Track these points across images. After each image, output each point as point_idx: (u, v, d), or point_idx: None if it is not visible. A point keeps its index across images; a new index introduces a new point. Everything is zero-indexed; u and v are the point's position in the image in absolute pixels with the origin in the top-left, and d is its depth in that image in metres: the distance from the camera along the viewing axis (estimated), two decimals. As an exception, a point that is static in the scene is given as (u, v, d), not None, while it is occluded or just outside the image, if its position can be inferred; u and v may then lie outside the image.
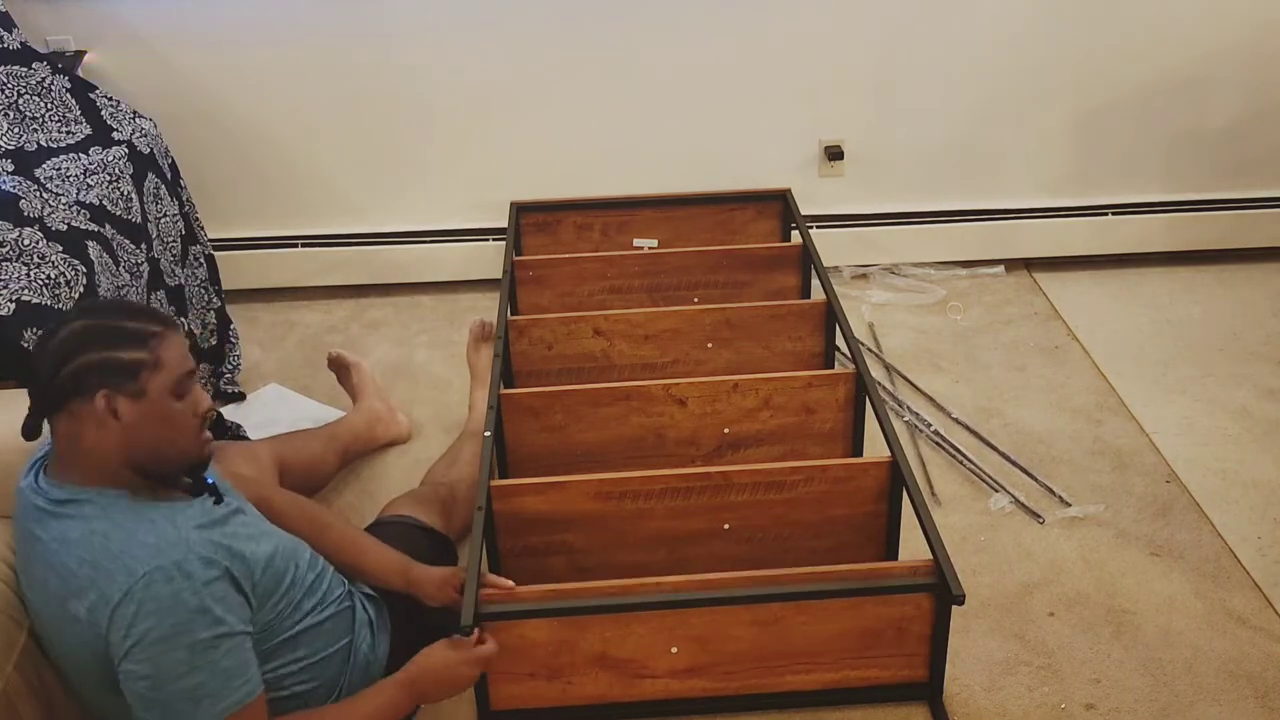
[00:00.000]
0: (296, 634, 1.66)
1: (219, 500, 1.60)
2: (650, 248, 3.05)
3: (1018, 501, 2.40)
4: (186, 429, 1.53)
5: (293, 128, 3.08)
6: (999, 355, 2.94)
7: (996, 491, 2.43)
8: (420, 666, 1.71)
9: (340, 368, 2.66)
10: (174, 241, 2.67)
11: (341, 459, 2.47)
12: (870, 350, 2.96)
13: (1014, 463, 2.52)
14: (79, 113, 2.59)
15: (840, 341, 2.59)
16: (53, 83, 2.60)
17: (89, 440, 1.47)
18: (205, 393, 1.56)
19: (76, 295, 2.13)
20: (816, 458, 2.29)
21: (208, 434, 1.58)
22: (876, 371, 2.88)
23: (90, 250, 2.24)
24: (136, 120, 2.65)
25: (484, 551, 1.90)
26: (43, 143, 2.53)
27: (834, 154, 3.14)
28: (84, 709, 1.67)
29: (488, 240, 3.21)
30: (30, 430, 1.51)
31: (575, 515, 2.02)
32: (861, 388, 2.27)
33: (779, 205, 3.06)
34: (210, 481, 1.60)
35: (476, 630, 1.73)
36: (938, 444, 2.59)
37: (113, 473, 1.50)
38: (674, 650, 1.84)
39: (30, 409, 1.50)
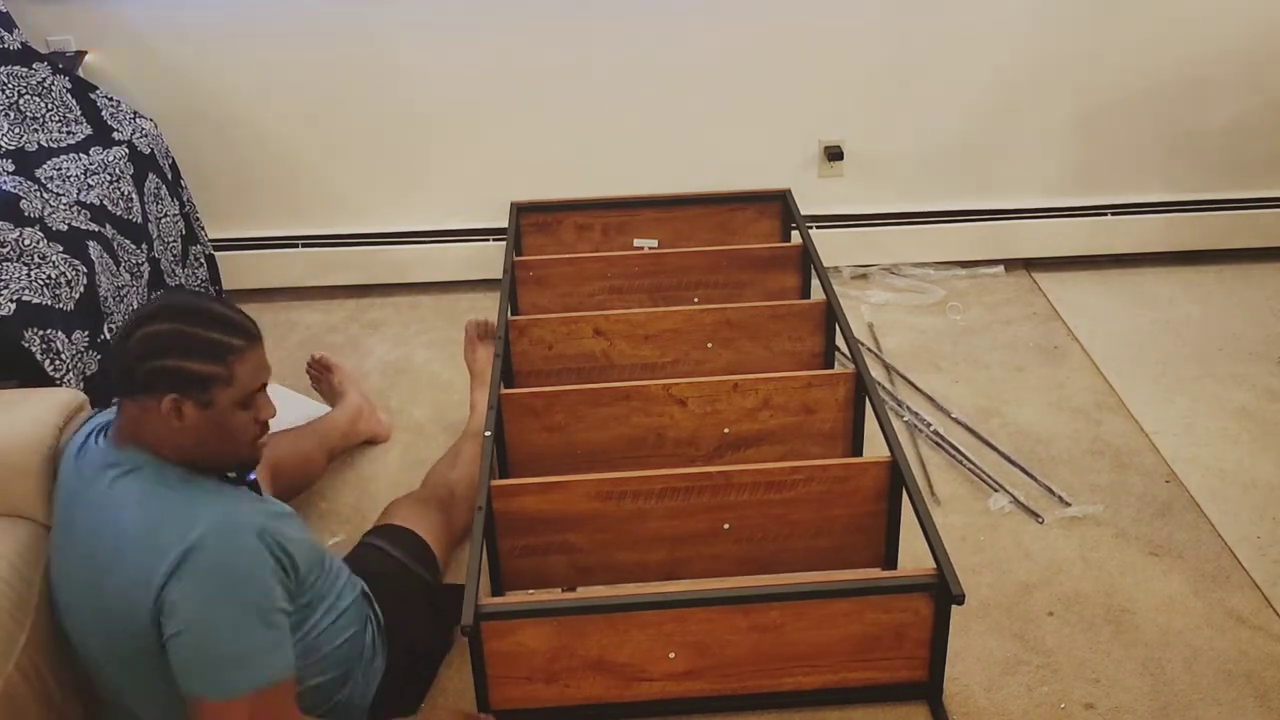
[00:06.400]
0: (313, 628, 1.67)
1: (259, 496, 1.65)
2: (650, 248, 3.04)
3: (1017, 501, 2.40)
4: (245, 437, 1.58)
5: (293, 128, 3.08)
6: (998, 355, 2.94)
7: (996, 491, 2.43)
8: None
9: (322, 369, 2.72)
10: (174, 241, 2.67)
11: (329, 457, 2.51)
12: (870, 350, 2.96)
13: (1013, 462, 2.52)
14: (79, 113, 2.60)
15: (840, 341, 2.59)
16: (53, 83, 2.60)
17: (151, 429, 1.53)
18: (269, 400, 1.60)
19: (77, 295, 2.14)
20: (816, 458, 2.29)
21: (264, 439, 1.62)
22: (876, 371, 2.89)
23: (91, 250, 2.24)
24: (137, 120, 2.65)
25: (484, 551, 1.90)
26: (43, 143, 2.53)
27: (834, 154, 3.14)
28: (86, 708, 1.68)
29: (488, 240, 3.21)
30: (105, 397, 1.61)
31: (575, 515, 2.02)
32: (861, 388, 2.27)
33: (779, 205, 3.06)
34: (252, 478, 1.65)
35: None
36: (937, 444, 2.59)
37: (170, 455, 1.54)
38: (672, 655, 1.84)
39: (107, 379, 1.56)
